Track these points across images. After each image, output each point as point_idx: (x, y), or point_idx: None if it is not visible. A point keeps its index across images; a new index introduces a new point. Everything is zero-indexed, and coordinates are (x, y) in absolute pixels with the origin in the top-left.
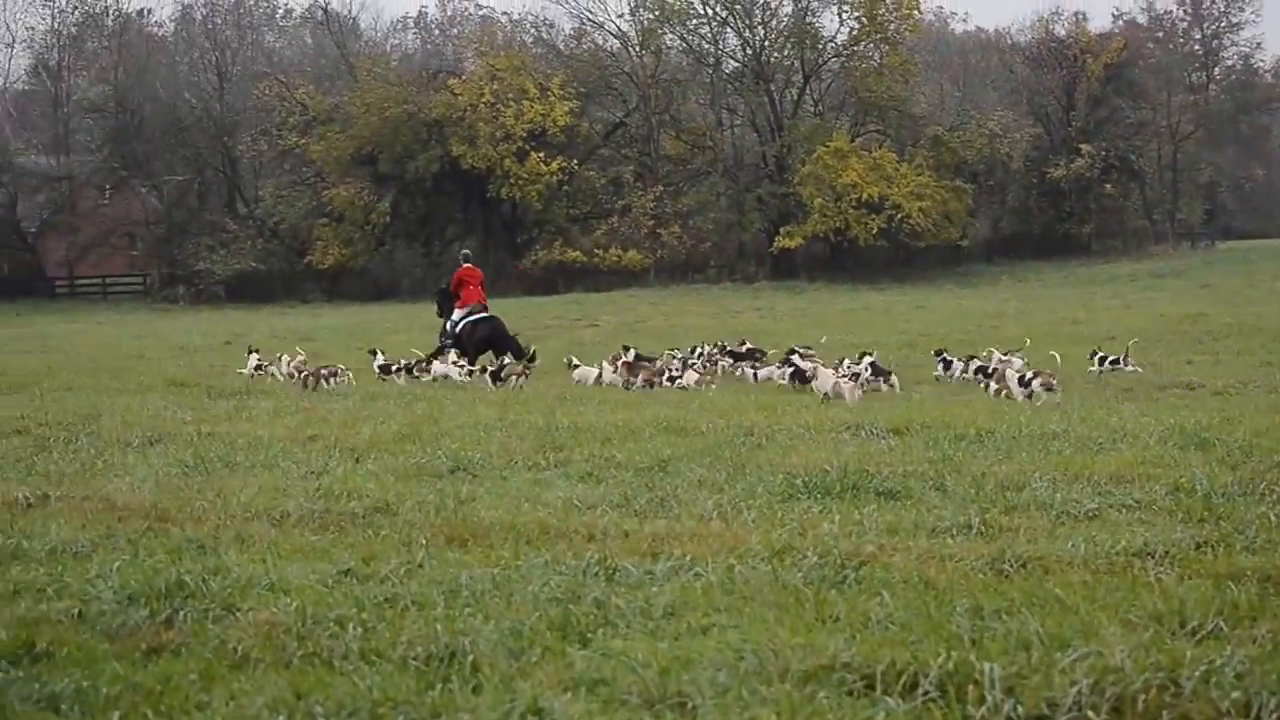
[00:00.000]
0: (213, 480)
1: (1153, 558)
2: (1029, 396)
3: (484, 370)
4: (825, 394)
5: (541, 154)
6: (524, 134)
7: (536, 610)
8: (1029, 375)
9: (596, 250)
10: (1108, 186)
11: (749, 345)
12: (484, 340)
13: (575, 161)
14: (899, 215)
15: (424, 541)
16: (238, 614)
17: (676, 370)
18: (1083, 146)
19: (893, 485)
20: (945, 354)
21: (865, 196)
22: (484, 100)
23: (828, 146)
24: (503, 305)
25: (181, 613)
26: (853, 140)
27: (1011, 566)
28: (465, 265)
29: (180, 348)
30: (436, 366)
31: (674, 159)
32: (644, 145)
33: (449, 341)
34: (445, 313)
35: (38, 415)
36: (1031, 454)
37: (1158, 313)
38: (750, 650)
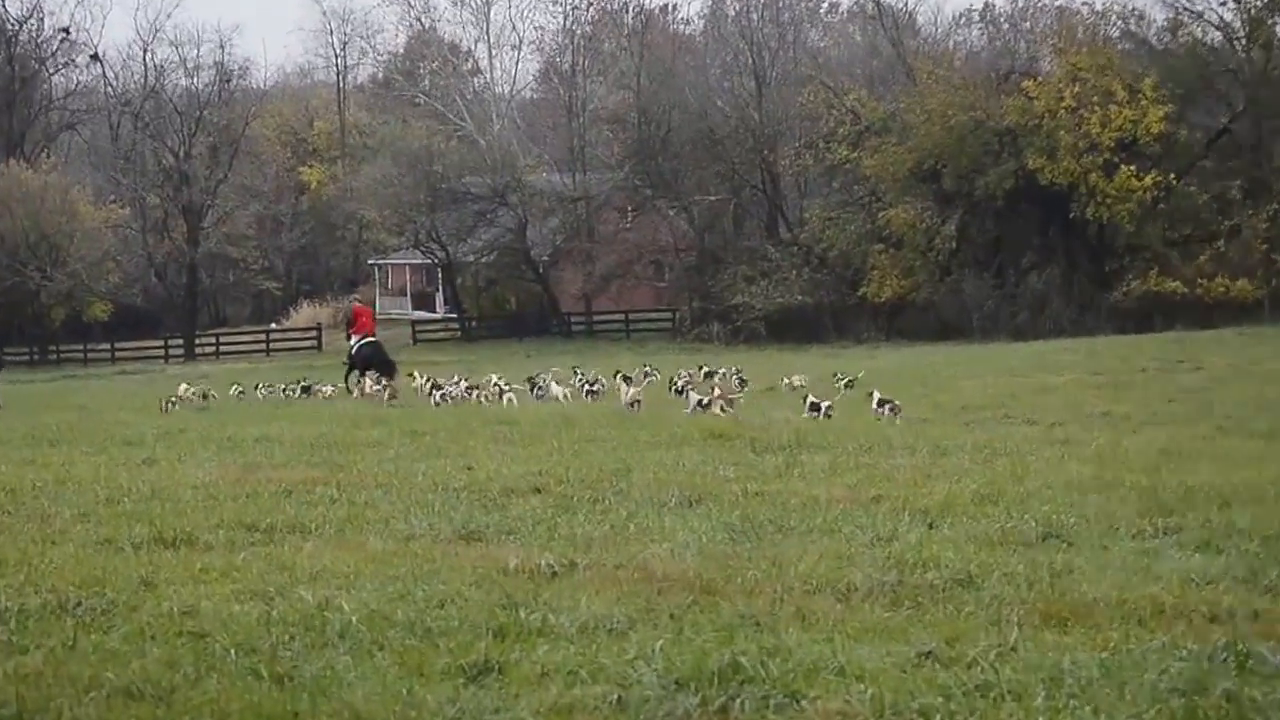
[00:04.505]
0: (764, 547)
1: None
2: None
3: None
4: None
5: (1133, 167)
6: (1111, 144)
7: (1156, 703)
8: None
9: (1200, 280)
10: None
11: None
12: (367, 359)
13: (1172, 176)
14: None
15: (1016, 620)
16: (803, 702)
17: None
18: None
19: None
20: None
21: None
22: (1064, 105)
23: None
24: (1089, 345)
25: (738, 700)
26: None
27: None
28: (357, 304)
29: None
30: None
31: None
32: (1254, 156)
33: (348, 363)
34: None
35: (558, 471)
36: None
37: None
38: None
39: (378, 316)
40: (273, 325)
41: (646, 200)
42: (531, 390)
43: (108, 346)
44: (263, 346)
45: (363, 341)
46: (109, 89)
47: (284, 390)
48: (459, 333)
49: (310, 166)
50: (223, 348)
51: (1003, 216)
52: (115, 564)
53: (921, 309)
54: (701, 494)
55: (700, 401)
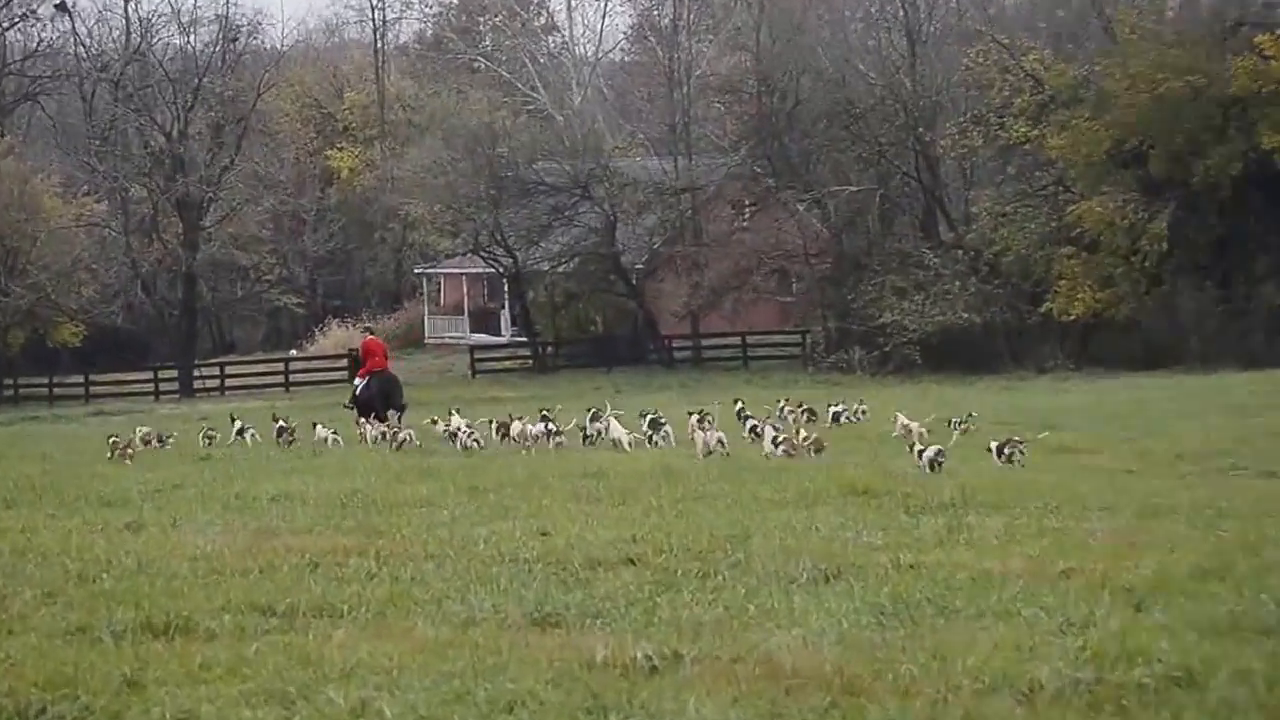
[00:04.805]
0: (922, 634)
1: None
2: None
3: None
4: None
5: None
6: None
7: None
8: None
9: None
10: None
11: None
12: (383, 393)
13: None
14: None
15: None
16: None
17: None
18: None
19: None
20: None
21: None
22: None
23: None
24: None
25: None
26: None
27: None
28: (369, 338)
29: (857, 437)
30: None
31: None
32: None
33: (351, 405)
34: (353, 376)
35: (657, 537)
36: None
37: None
38: None
39: (427, 338)
40: (293, 352)
41: (769, 192)
42: (584, 436)
43: (80, 380)
44: (280, 379)
45: (371, 376)
46: (81, 49)
47: (239, 433)
48: (530, 362)
49: (340, 150)
50: (229, 381)
51: (1229, 210)
52: (91, 658)
53: (1123, 329)
54: (841, 566)
55: (775, 440)
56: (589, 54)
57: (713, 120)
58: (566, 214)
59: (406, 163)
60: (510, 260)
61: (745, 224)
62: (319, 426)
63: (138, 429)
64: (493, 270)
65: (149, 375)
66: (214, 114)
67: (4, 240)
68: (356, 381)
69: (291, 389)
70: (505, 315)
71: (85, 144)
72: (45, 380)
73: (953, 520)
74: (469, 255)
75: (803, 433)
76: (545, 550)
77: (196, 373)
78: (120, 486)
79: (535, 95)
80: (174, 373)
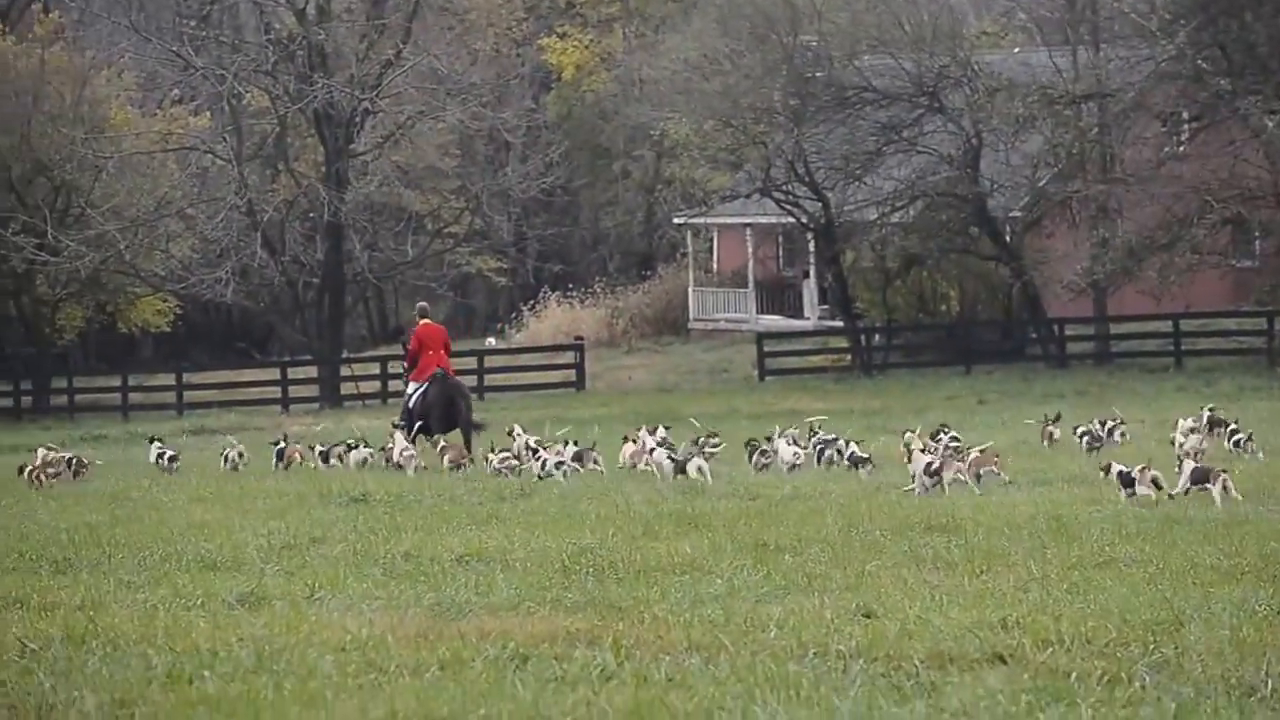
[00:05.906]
0: None
1: None
2: None
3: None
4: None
5: None
6: None
7: None
8: None
9: None
10: None
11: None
12: (439, 403)
13: None
14: None
15: None
16: None
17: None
18: None
19: None
20: None
21: None
22: None
23: None
24: None
25: None
26: None
27: None
28: (423, 322)
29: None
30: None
31: None
32: None
33: (403, 423)
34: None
35: (1039, 622)
36: None
37: None
38: None
39: (692, 321)
40: (490, 341)
41: (1219, 99)
42: (750, 456)
43: (171, 381)
44: (472, 381)
45: (429, 380)
46: None
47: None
48: (848, 358)
49: (562, 37)
50: (394, 384)
51: None
52: None
53: None
54: None
55: (930, 468)
56: None
57: None
58: (905, 135)
59: (662, 57)
60: (819, 205)
61: (1182, 148)
62: (357, 448)
63: (40, 451)
64: (792, 220)
65: (274, 375)
66: None
67: (51, 170)
68: (410, 387)
69: (487, 395)
70: (811, 288)
71: (175, 26)
72: (118, 382)
73: None
74: (756, 198)
75: (973, 453)
76: (869, 640)
77: (346, 371)
78: (231, 541)
79: None
80: (312, 371)
